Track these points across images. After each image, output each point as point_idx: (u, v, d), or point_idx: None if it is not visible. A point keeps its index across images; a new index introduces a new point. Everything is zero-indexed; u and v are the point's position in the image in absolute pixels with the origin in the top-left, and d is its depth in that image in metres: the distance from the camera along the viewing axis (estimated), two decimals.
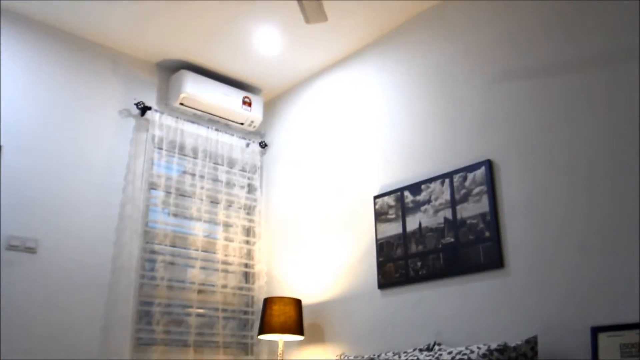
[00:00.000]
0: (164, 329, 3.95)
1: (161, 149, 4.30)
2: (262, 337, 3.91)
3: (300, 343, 4.16)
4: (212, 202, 4.50)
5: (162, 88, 4.54)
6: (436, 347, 3.12)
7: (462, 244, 3.29)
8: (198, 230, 4.32)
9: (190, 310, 4.12)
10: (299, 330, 3.85)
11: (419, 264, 3.49)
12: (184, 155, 4.43)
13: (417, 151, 3.74)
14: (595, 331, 2.60)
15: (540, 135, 3.09)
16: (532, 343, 2.69)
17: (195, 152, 4.49)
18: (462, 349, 2.75)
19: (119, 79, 4.30)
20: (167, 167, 4.34)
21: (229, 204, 4.60)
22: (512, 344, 2.73)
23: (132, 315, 3.84)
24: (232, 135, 4.74)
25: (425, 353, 2.90)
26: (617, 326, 2.54)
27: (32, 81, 3.84)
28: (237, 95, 4.66)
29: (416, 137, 3.77)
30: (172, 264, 4.15)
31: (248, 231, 4.72)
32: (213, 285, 4.29)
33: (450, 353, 2.76)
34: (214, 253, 4.38)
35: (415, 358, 2.89)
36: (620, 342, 2.50)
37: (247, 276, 4.61)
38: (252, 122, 4.78)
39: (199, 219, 4.34)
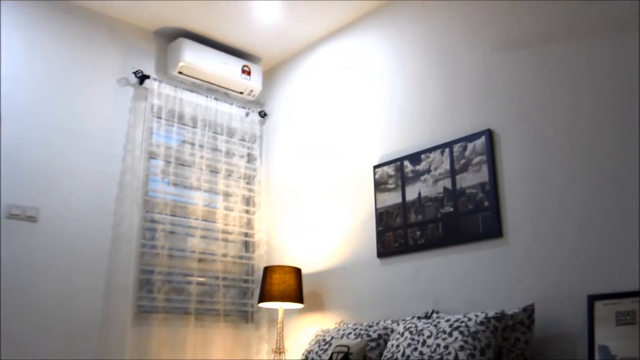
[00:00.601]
0: (164, 297, 3.99)
1: (160, 118, 4.28)
2: (262, 305, 3.95)
3: (299, 311, 4.21)
4: (211, 171, 4.50)
5: (160, 57, 4.49)
6: (434, 315, 3.15)
7: (461, 213, 3.30)
8: (198, 200, 4.33)
9: (191, 278, 4.15)
10: (299, 299, 3.89)
11: (418, 233, 3.51)
12: (183, 124, 4.41)
13: (417, 121, 3.73)
14: (592, 299, 2.63)
15: (542, 105, 3.07)
16: (529, 311, 2.72)
17: (194, 121, 4.47)
18: (460, 316, 2.78)
19: (117, 47, 4.25)
20: (166, 136, 4.33)
21: (229, 174, 4.60)
22: (510, 312, 2.76)
23: (133, 284, 3.87)
24: (232, 104, 4.71)
25: (423, 321, 2.94)
26: (613, 294, 2.57)
27: (30, 50, 3.80)
28: (236, 64, 4.62)
29: (416, 107, 3.75)
30: (172, 233, 4.17)
31: (248, 200, 4.73)
32: (213, 254, 4.32)
33: (448, 321, 2.79)
34: (214, 222, 4.39)
35: (414, 325, 2.93)
36: (616, 309, 2.53)
37: (247, 245, 4.63)
38: (252, 91, 4.75)
39: (198, 189, 4.35)
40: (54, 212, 3.67)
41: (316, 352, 3.34)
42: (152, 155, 4.22)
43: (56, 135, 3.80)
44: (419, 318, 3.18)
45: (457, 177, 3.36)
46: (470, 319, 2.71)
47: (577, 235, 2.81)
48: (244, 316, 4.46)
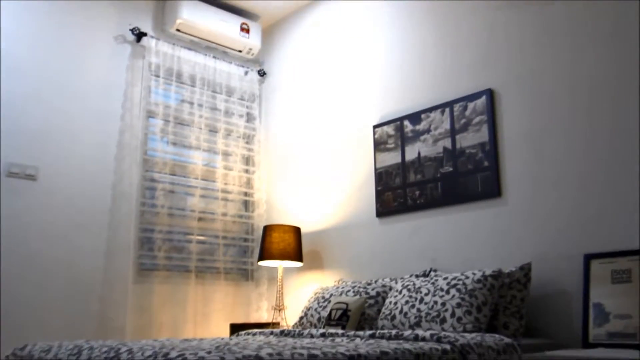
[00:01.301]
0: (165, 255, 4.03)
1: (158, 76, 4.24)
2: (261, 263, 4.00)
3: (299, 269, 4.26)
4: (210, 130, 4.49)
5: (157, 14, 4.42)
6: (432, 274, 3.19)
7: (460, 173, 3.31)
8: (197, 159, 4.33)
9: (191, 237, 4.19)
10: (298, 257, 3.93)
11: (417, 192, 3.52)
12: (182, 83, 4.37)
13: (418, 80, 3.70)
14: (588, 258, 2.66)
15: (543, 65, 3.04)
16: (525, 270, 2.76)
17: (192, 80, 4.43)
18: (458, 274, 2.82)
19: (114, 3, 4.17)
20: (164, 95, 4.30)
21: (228, 133, 4.59)
22: (507, 271, 2.80)
23: (133, 242, 3.91)
24: (230, 63, 4.66)
25: (421, 279, 2.98)
26: (609, 253, 2.60)
27: (26, 8, 3.73)
28: (235, 21, 4.55)
29: (417, 66, 3.72)
30: (172, 192, 4.18)
31: (247, 160, 4.73)
32: (213, 213, 4.34)
33: (445, 279, 2.83)
34: (214, 182, 4.41)
35: (412, 283, 2.97)
36: (611, 268, 2.56)
37: (247, 204, 4.66)
38: (251, 49, 4.69)
39: (197, 148, 4.34)
40: (54, 171, 3.68)
41: (315, 309, 3.39)
42: (150, 114, 4.20)
43: (54, 93, 3.77)
44: (417, 276, 3.22)
45: (457, 136, 3.36)
46: (467, 277, 2.75)
47: (575, 195, 2.82)
48: (244, 274, 4.52)
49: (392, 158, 3.71)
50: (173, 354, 1.55)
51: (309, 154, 4.40)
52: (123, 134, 4.00)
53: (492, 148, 3.17)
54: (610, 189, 2.70)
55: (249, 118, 4.79)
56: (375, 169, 3.80)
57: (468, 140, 3.30)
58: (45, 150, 3.66)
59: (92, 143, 3.88)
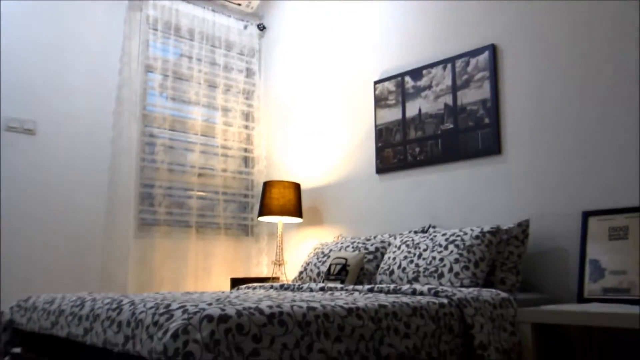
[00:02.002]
0: (166, 211, 4.05)
1: (156, 30, 4.17)
2: (261, 219, 4.02)
3: (299, 225, 4.29)
4: (210, 86, 4.44)
5: None
6: (431, 230, 3.22)
7: (461, 130, 3.29)
8: (197, 115, 4.30)
9: (191, 192, 4.20)
10: (298, 213, 3.95)
11: (417, 149, 3.51)
12: (180, 37, 4.31)
13: (420, 35, 3.64)
14: (586, 215, 2.68)
15: (546, 20, 2.99)
16: (523, 226, 2.78)
17: (191, 34, 4.36)
18: (456, 230, 2.84)
19: None
20: (163, 49, 4.23)
21: (227, 88, 4.55)
22: (505, 227, 2.82)
23: (134, 197, 3.92)
24: (229, 16, 4.58)
25: (420, 235, 3.00)
26: (607, 210, 2.61)
27: None
28: None
29: (419, 21, 3.65)
30: (171, 147, 4.17)
31: (247, 116, 4.70)
32: (213, 169, 4.35)
33: (444, 235, 2.86)
34: (213, 137, 4.39)
35: (410, 239, 3.00)
36: (609, 225, 2.58)
37: (247, 160, 4.66)
38: (250, 2, 4.61)
39: (197, 103, 4.31)
40: (52, 125, 3.66)
41: (315, 264, 3.43)
42: (149, 69, 4.15)
43: (52, 46, 3.71)
44: (415, 232, 3.25)
45: (459, 93, 3.33)
46: (466, 233, 2.77)
47: (575, 153, 2.81)
48: (244, 230, 4.55)
49: (392, 114, 3.69)
50: (174, 306, 1.58)
51: (309, 110, 4.37)
52: (121, 88, 3.96)
53: (493, 105, 3.15)
54: (610, 147, 2.70)
55: (249, 73, 4.73)
56: (376, 126, 3.78)
57: (469, 96, 3.27)
58: (43, 104, 3.64)
59: (89, 98, 3.84)
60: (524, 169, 3.02)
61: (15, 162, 3.48)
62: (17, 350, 2.62)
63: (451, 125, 3.34)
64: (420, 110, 3.53)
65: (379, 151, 3.74)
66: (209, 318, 1.46)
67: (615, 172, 2.67)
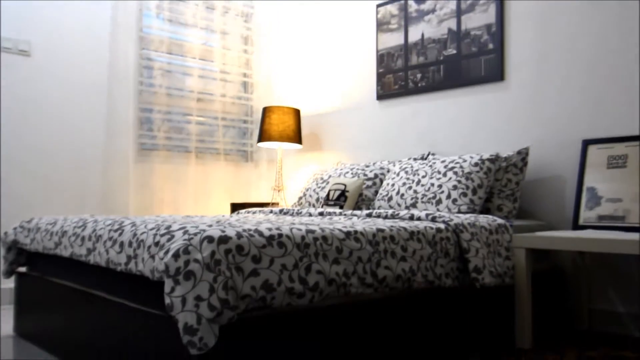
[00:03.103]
0: (165, 136, 4.04)
1: None
2: (261, 145, 4.02)
3: (298, 151, 4.29)
4: (207, 7, 4.32)
5: None
6: (430, 157, 3.22)
7: (464, 56, 3.23)
8: (194, 38, 4.21)
9: (190, 118, 4.17)
10: (298, 139, 3.94)
11: (418, 75, 3.46)
12: None
13: None
14: (586, 144, 2.67)
15: None
16: (523, 154, 2.78)
17: None
18: (455, 158, 2.84)
19: None
20: None
21: (226, 10, 4.42)
22: (504, 155, 2.82)
23: (133, 121, 3.89)
24: None
25: (419, 162, 3.01)
26: (607, 139, 2.61)
27: None
28: None
29: None
30: (169, 71, 4.10)
31: (246, 40, 4.60)
32: (212, 94, 4.30)
33: (443, 162, 2.86)
34: (212, 62, 4.31)
35: (410, 166, 3.00)
36: (608, 154, 2.58)
37: (246, 85, 4.60)
38: None
39: (194, 26, 4.21)
40: (47, 46, 3.58)
41: (314, 190, 3.46)
42: None
43: None
44: (415, 159, 3.25)
45: (463, 17, 3.24)
46: (465, 160, 2.78)
47: (578, 81, 2.78)
48: (244, 155, 4.56)
49: (394, 39, 3.61)
50: (175, 227, 1.60)
51: (308, 34, 4.27)
52: (116, 9, 3.84)
53: (498, 30, 3.07)
54: (613, 76, 2.66)
55: None
56: (377, 51, 3.71)
57: (474, 21, 3.19)
58: (37, 24, 3.54)
59: (84, 18, 3.74)
60: (526, 97, 2.98)
61: (11, 83, 3.43)
62: (23, 269, 2.68)
63: (454, 51, 3.28)
64: (423, 35, 3.45)
65: (379, 77, 3.69)
66: (209, 239, 1.48)
67: (617, 100, 2.64)
